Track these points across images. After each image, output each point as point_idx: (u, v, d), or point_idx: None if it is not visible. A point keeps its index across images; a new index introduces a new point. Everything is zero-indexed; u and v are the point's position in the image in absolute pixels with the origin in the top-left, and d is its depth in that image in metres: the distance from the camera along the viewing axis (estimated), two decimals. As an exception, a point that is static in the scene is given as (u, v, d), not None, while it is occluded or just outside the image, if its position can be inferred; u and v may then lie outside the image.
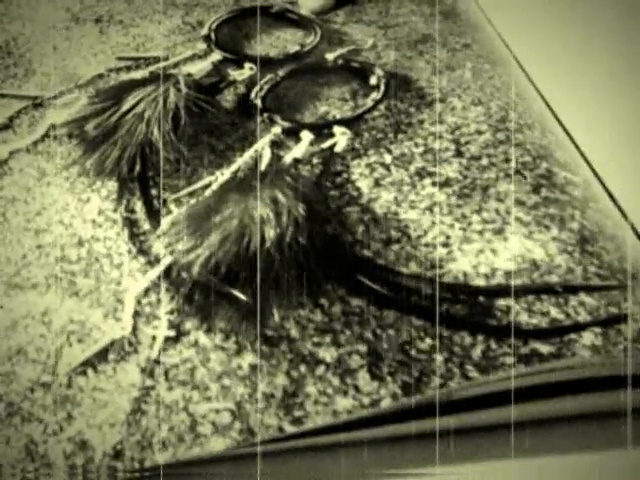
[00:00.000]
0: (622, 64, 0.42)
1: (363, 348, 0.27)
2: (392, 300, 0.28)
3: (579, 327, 0.27)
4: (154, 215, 0.33)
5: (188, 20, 0.48)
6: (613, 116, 0.39)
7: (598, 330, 0.27)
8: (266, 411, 0.25)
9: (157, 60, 0.44)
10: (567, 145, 0.37)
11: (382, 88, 0.40)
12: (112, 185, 0.35)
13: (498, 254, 0.30)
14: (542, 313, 0.27)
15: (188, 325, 0.28)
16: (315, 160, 0.36)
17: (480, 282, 0.29)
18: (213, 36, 0.46)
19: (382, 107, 0.39)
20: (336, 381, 0.26)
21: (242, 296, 0.28)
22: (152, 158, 0.35)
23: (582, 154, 0.37)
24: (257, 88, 0.41)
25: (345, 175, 0.35)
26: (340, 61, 0.43)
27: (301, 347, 0.27)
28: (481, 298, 0.28)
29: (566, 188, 0.33)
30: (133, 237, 0.32)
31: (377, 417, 0.26)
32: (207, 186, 0.34)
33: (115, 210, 0.34)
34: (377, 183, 0.34)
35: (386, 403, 0.25)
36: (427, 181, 0.34)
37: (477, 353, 0.26)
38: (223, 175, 0.34)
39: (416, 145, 0.36)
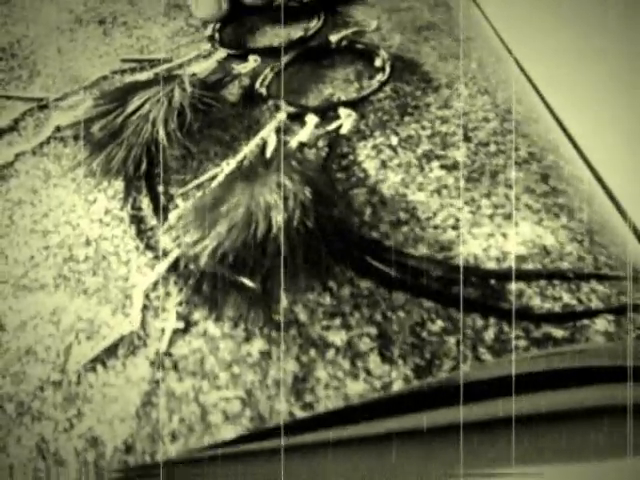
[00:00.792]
0: (622, 64, 0.41)
1: (373, 331, 0.26)
2: (401, 282, 0.28)
3: (592, 313, 0.26)
4: (161, 211, 0.33)
5: (191, 22, 0.48)
6: (613, 116, 0.38)
7: (611, 317, 0.26)
8: (276, 397, 0.25)
9: (162, 62, 0.44)
10: (566, 143, 0.37)
11: (387, 70, 0.39)
12: (118, 185, 0.35)
13: (508, 238, 0.29)
14: (554, 298, 0.27)
15: (196, 316, 0.28)
16: (321, 143, 0.35)
17: (491, 265, 0.28)
18: (217, 36, 0.46)
19: (388, 89, 0.38)
20: (347, 365, 0.26)
21: (250, 283, 0.28)
22: (158, 156, 0.35)
23: (581, 153, 0.36)
24: (261, 78, 0.40)
25: (351, 157, 0.34)
26: (344, 43, 0.42)
27: (310, 331, 0.27)
28: (492, 281, 0.27)
29: (572, 181, 0.32)
30: (140, 233, 0.32)
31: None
32: (213, 178, 0.34)
33: (122, 209, 0.33)
34: (384, 165, 0.33)
35: (398, 386, 0.25)
36: (435, 164, 0.33)
37: (490, 336, 0.26)
38: (229, 165, 0.34)
39: (423, 128, 0.35)
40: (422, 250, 0.29)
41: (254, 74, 0.41)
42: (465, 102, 0.37)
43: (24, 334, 0.29)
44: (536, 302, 0.27)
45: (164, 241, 0.31)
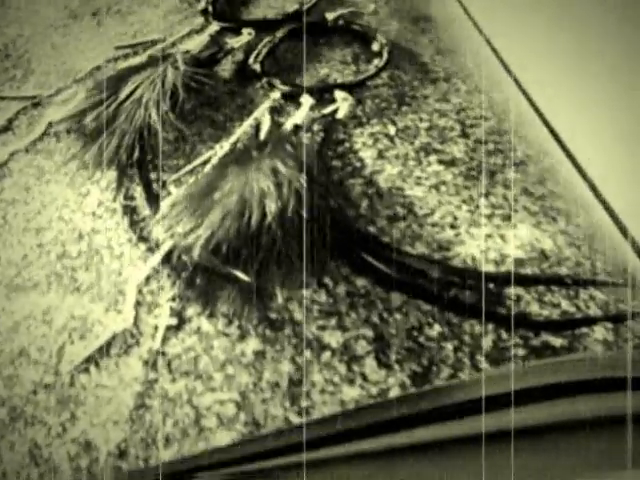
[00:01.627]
0: (620, 67, 0.40)
1: (369, 333, 0.26)
2: (399, 282, 0.27)
3: (590, 321, 0.26)
4: (154, 199, 0.32)
5: (185, -2, 0.47)
6: (612, 120, 0.37)
7: (610, 325, 0.25)
8: (271, 401, 0.25)
9: (155, 43, 0.43)
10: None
11: (385, 56, 0.39)
12: (111, 175, 0.34)
13: (507, 241, 0.28)
14: (553, 304, 0.26)
15: (190, 312, 0.28)
16: (316, 127, 0.35)
17: (489, 268, 0.28)
18: (211, 8, 0.45)
19: (385, 76, 0.38)
20: (342, 369, 0.25)
21: (244, 276, 0.27)
22: (151, 141, 0.35)
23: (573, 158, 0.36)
24: (255, 52, 0.39)
25: (347, 144, 0.34)
26: (341, 22, 0.41)
27: (305, 331, 0.26)
28: (491, 285, 0.27)
29: (569, 185, 0.32)
30: (133, 224, 0.32)
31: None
32: (207, 162, 0.33)
33: (114, 199, 0.33)
34: (381, 155, 0.33)
35: (394, 392, 0.24)
36: (433, 158, 0.32)
37: (488, 343, 0.25)
38: (223, 148, 0.33)
39: (421, 120, 0.35)
40: (420, 248, 0.28)
41: (248, 48, 0.40)
42: (463, 99, 0.36)
43: (17, 335, 0.28)
44: (534, 308, 0.26)
45: (157, 232, 0.30)
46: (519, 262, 0.28)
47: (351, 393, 0.24)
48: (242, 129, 0.35)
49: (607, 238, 0.30)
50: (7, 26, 0.49)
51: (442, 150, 0.33)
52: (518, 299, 0.26)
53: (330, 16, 0.42)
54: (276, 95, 0.36)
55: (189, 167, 0.33)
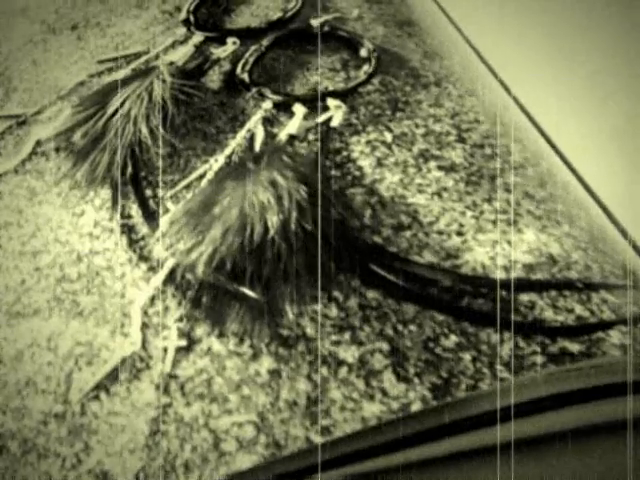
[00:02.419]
0: (614, 67, 0.40)
1: (385, 346, 0.26)
2: (410, 292, 0.27)
3: (606, 325, 0.25)
4: (151, 216, 0.32)
5: (165, 8, 0.46)
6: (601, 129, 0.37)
7: (625, 329, 0.25)
8: (291, 421, 0.24)
9: (138, 55, 0.42)
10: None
11: (373, 62, 0.38)
12: (105, 193, 0.33)
13: (514, 246, 0.28)
14: (567, 310, 0.26)
15: (199, 332, 0.27)
16: (311, 136, 0.34)
17: (500, 275, 0.27)
18: (192, 18, 0.44)
19: (376, 82, 0.37)
20: (361, 384, 0.25)
21: (251, 293, 0.27)
22: (143, 156, 0.34)
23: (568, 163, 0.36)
24: (242, 61, 0.39)
25: (345, 153, 0.33)
26: (326, 28, 0.41)
27: (320, 347, 0.26)
28: (503, 292, 0.27)
29: (568, 188, 0.32)
30: (132, 244, 0.31)
31: None
32: (202, 176, 0.32)
33: (111, 219, 0.32)
34: (380, 163, 0.32)
35: (416, 407, 0.24)
36: (432, 164, 0.32)
37: (506, 351, 0.25)
38: (217, 162, 0.33)
39: (417, 126, 0.34)
40: (428, 257, 0.28)
41: (234, 58, 0.40)
42: (455, 103, 0.36)
43: (22, 365, 0.27)
44: (549, 314, 0.26)
45: (157, 250, 0.30)
46: (529, 267, 0.27)
47: (372, 409, 0.24)
48: (236, 141, 0.34)
49: (609, 240, 0.30)
50: (-16, 45, 0.48)
51: (441, 156, 0.32)
52: (532, 305, 0.26)
53: (315, 23, 0.41)
54: (267, 105, 0.36)
55: (185, 182, 0.33)
